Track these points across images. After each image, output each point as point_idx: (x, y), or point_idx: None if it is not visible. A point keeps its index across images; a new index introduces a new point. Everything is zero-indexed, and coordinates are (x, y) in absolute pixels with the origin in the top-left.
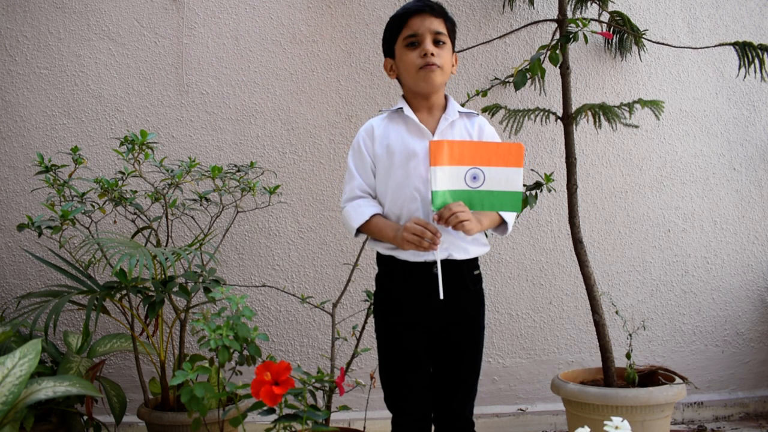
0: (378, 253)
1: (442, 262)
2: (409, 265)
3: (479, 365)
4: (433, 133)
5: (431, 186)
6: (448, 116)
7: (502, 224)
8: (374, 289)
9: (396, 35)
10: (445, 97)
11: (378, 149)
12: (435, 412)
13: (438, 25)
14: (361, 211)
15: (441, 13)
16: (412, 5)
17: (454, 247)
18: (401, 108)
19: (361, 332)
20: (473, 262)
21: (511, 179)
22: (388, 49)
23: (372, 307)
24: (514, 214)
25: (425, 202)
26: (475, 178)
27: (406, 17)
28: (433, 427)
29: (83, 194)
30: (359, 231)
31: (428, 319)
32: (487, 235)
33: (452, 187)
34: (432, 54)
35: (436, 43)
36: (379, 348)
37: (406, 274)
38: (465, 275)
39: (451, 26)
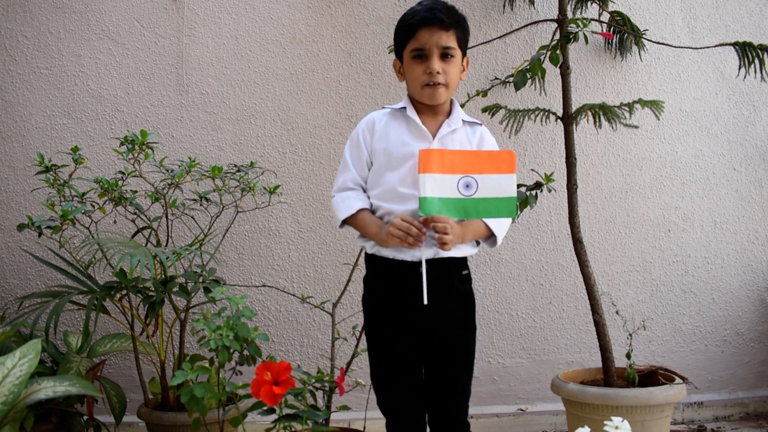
0: (366, 254)
1: (429, 261)
2: (396, 265)
3: (472, 366)
4: (434, 137)
5: (420, 192)
6: (451, 123)
7: (491, 237)
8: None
9: (404, 43)
10: (451, 102)
11: (376, 145)
12: (429, 414)
13: (447, 40)
14: (349, 204)
15: (452, 23)
16: (422, 16)
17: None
18: (405, 107)
19: (361, 332)
20: (462, 262)
21: (504, 185)
22: (398, 52)
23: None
24: (505, 227)
25: (416, 203)
26: (468, 186)
27: (415, 28)
28: (428, 430)
29: (83, 194)
30: (345, 223)
31: (416, 320)
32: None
33: (444, 195)
34: (438, 72)
35: (445, 56)
36: (369, 350)
37: (392, 274)
38: (453, 275)
39: (462, 35)
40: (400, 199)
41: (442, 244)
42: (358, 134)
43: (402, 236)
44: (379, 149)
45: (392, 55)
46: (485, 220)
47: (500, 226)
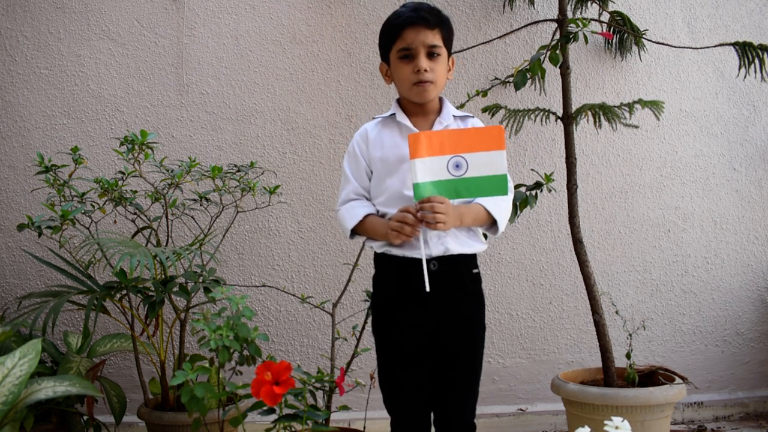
0: (375, 253)
1: (439, 258)
2: (404, 264)
3: (479, 367)
4: None
5: (412, 179)
6: (442, 120)
7: (493, 225)
8: (372, 289)
9: (390, 44)
10: (440, 100)
11: (373, 154)
12: (434, 414)
13: (433, 38)
14: (355, 213)
15: (437, 23)
16: (407, 16)
17: (451, 236)
18: (394, 114)
19: (361, 332)
20: (471, 260)
21: (494, 163)
22: (384, 55)
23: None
24: (506, 214)
25: None
26: (458, 166)
27: (400, 29)
28: (433, 429)
29: (83, 194)
30: (354, 233)
31: (424, 319)
32: (486, 237)
33: (435, 178)
34: (426, 70)
35: (431, 55)
36: (376, 348)
37: (400, 273)
38: (463, 273)
39: (447, 34)
40: (406, 202)
41: (436, 223)
42: (353, 146)
43: (399, 227)
44: (375, 158)
45: None
46: (484, 204)
47: (500, 211)
